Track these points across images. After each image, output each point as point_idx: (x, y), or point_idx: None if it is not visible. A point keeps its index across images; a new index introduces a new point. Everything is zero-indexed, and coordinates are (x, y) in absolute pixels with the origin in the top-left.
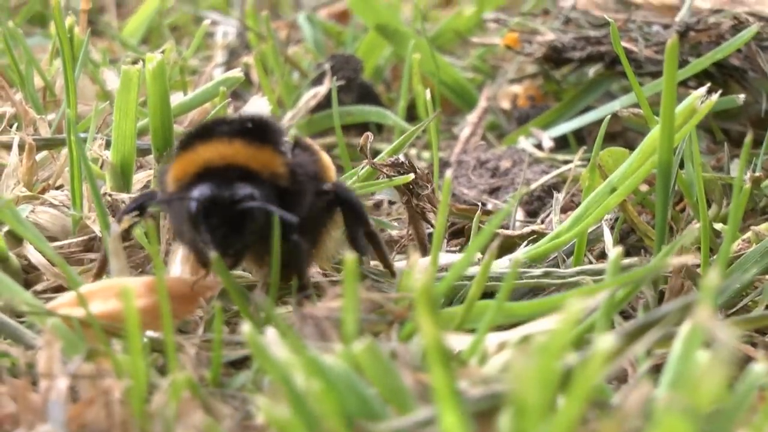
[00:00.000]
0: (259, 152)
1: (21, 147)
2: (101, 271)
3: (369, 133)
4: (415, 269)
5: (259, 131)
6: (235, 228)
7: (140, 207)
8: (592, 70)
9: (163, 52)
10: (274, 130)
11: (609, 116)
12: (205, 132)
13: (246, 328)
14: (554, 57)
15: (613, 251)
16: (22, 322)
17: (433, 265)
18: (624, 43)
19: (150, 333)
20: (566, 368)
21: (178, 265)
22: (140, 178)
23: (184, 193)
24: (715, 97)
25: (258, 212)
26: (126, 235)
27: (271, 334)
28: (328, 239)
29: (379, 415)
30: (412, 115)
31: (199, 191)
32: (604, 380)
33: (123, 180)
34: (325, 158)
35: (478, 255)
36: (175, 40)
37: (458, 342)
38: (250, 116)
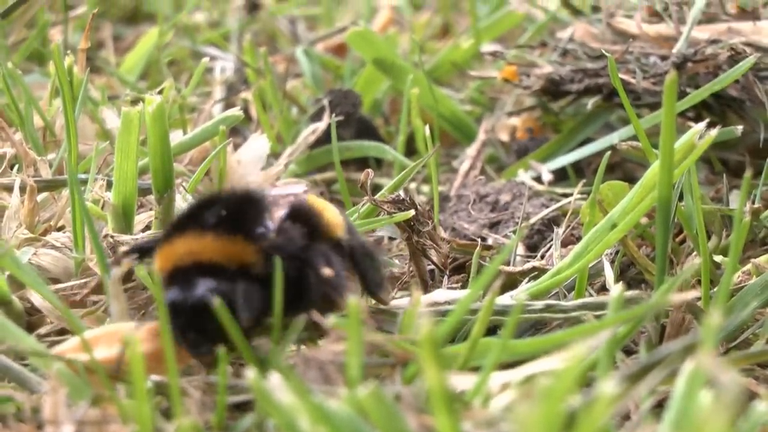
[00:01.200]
0: (230, 244)
1: (22, 188)
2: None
3: (369, 170)
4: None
5: (234, 218)
6: (200, 329)
7: (141, 250)
8: (590, 102)
9: (161, 91)
10: (253, 211)
11: (609, 153)
12: (182, 224)
13: (250, 374)
14: (552, 89)
15: (615, 288)
16: (25, 365)
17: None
18: (622, 75)
19: (154, 377)
20: (570, 410)
21: None
22: (142, 219)
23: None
24: (714, 132)
25: (220, 309)
26: (128, 277)
27: (275, 379)
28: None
29: None
30: (411, 149)
31: (168, 296)
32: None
33: (125, 221)
34: (330, 216)
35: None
36: (173, 76)
37: (462, 382)
38: (230, 197)
